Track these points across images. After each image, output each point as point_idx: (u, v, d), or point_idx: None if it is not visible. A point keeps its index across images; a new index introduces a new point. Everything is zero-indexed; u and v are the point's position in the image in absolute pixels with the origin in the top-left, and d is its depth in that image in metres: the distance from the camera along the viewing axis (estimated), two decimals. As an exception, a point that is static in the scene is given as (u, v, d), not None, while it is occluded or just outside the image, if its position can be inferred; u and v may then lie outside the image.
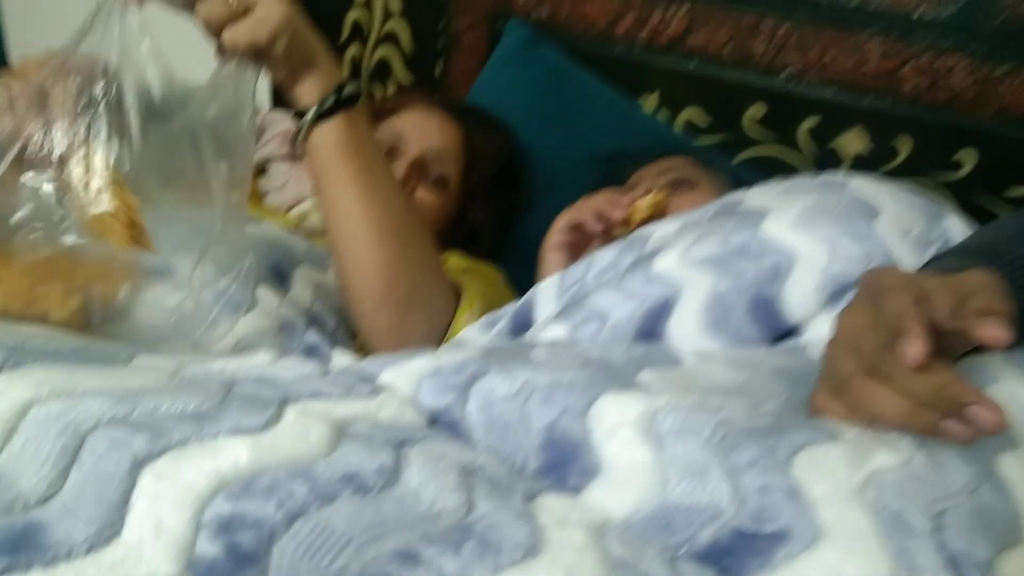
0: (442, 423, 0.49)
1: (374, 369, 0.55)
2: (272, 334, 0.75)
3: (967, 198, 1.17)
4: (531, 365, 0.51)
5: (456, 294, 0.86)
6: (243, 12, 0.65)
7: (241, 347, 0.73)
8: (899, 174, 1.19)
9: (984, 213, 1.15)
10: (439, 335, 0.81)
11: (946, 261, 0.62)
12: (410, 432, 0.45)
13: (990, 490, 0.40)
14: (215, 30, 0.65)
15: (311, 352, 0.76)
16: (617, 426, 0.43)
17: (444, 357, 0.54)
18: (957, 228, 0.80)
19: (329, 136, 0.72)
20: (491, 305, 0.88)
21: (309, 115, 0.71)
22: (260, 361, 0.52)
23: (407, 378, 0.52)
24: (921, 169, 1.18)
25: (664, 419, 0.43)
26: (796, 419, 0.45)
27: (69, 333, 0.54)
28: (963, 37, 1.10)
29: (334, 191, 0.75)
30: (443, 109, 1.19)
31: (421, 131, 1.13)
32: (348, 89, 0.72)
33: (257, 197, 1.45)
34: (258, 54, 0.66)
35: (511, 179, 1.23)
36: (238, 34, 0.64)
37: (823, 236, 0.67)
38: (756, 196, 0.77)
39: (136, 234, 0.62)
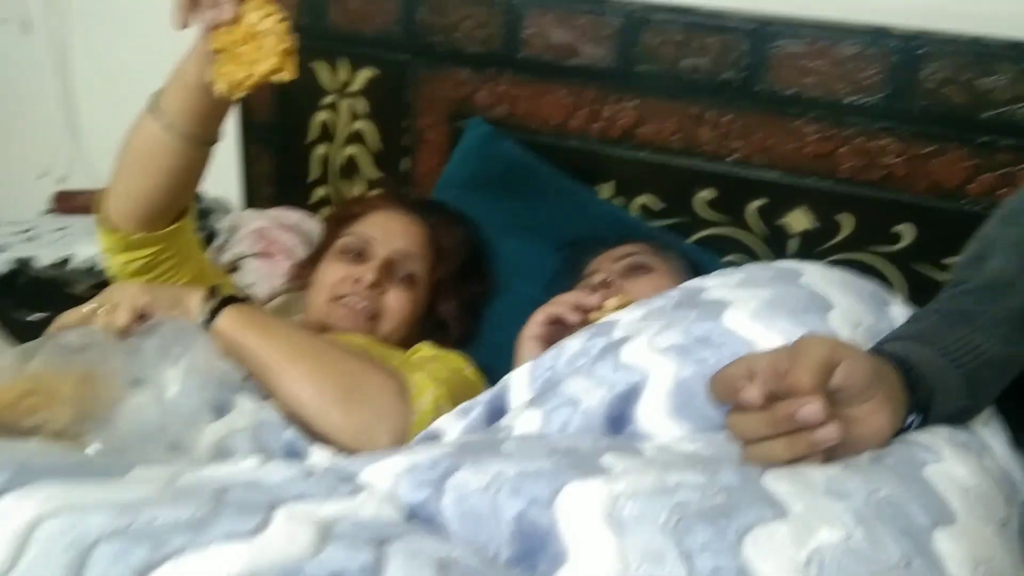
0: (420, 517, 0.53)
1: (355, 468, 0.58)
2: (250, 434, 0.78)
3: (908, 267, 1.24)
4: (502, 456, 0.55)
5: (405, 391, 0.91)
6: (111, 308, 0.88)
7: (221, 448, 0.76)
8: (843, 248, 1.27)
9: (924, 280, 1.23)
10: (399, 426, 0.86)
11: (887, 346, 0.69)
12: (390, 529, 0.48)
13: (924, 564, 0.44)
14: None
15: (290, 449, 0.79)
16: (581, 514, 0.47)
17: (421, 453, 0.57)
18: (901, 315, 0.85)
19: (224, 327, 0.90)
20: (451, 388, 0.93)
21: (201, 322, 0.90)
22: (248, 465, 0.55)
23: (385, 475, 0.55)
24: (863, 242, 1.25)
25: (624, 505, 0.47)
26: (748, 492, 0.49)
27: (65, 446, 0.57)
28: (892, 120, 1.19)
29: (248, 361, 0.89)
30: (406, 208, 1.25)
31: (386, 234, 1.19)
32: (209, 304, 0.91)
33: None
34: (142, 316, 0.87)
35: (476, 269, 1.29)
36: (116, 319, 0.86)
37: (780, 329, 0.72)
38: (716, 286, 0.82)
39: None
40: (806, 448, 0.54)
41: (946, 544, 0.47)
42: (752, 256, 1.33)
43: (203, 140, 0.98)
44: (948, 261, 1.21)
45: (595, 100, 1.36)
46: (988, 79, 1.13)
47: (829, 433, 0.52)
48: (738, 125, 1.28)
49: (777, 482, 0.50)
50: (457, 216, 1.31)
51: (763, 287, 0.80)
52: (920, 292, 1.24)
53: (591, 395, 0.72)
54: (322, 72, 1.56)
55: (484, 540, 0.49)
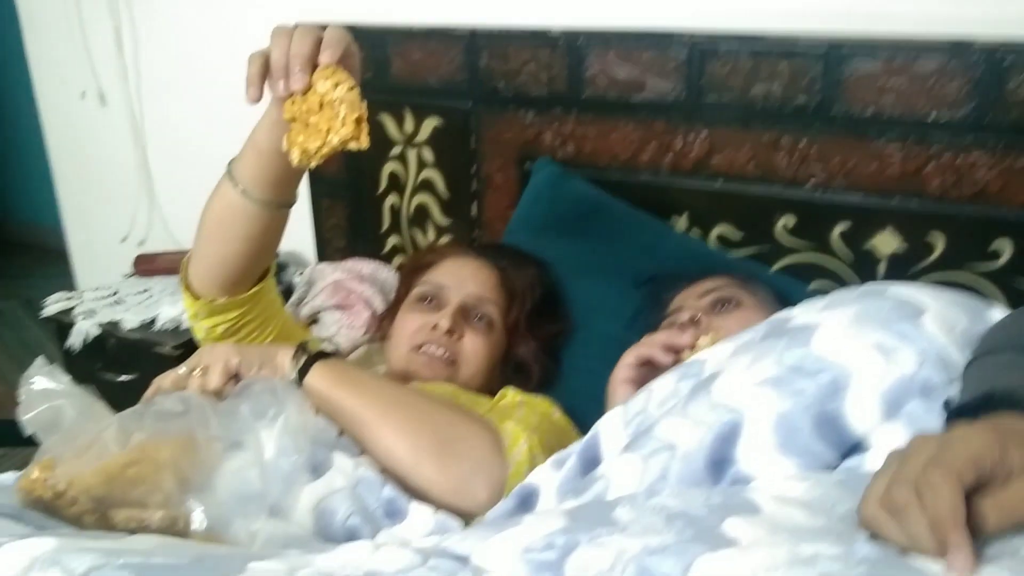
0: None
1: (465, 549, 0.56)
2: (348, 493, 0.77)
3: (1009, 285, 1.18)
4: (617, 528, 0.52)
5: (498, 435, 0.90)
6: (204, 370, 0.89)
7: (321, 509, 0.75)
8: (937, 268, 1.21)
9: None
10: (496, 479, 0.84)
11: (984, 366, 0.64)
12: None
13: None
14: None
15: (390, 508, 0.78)
16: None
17: (530, 529, 0.55)
18: (1000, 317, 0.81)
19: (315, 384, 0.89)
20: (542, 435, 0.91)
21: (292, 380, 0.89)
22: (362, 553, 0.53)
23: (501, 559, 0.53)
24: (958, 261, 1.20)
25: None
26: (890, 566, 0.45)
27: (173, 528, 0.57)
28: (981, 134, 1.14)
29: (341, 418, 0.89)
30: (476, 253, 1.25)
31: (459, 280, 1.19)
32: (299, 361, 0.91)
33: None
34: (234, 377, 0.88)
35: (551, 309, 1.27)
36: (209, 381, 0.88)
37: (875, 343, 0.69)
38: (802, 312, 0.80)
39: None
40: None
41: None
42: (839, 282, 1.28)
43: (279, 204, 0.99)
44: (1052, 276, 1.15)
45: (664, 133, 1.35)
46: (1081, 85, 1.08)
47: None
48: (815, 149, 1.25)
49: (923, 558, 0.46)
50: (527, 257, 1.31)
51: (849, 305, 0.77)
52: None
53: (688, 438, 0.70)
54: (388, 124, 1.58)
55: None
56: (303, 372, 0.89)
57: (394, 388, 0.93)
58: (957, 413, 0.61)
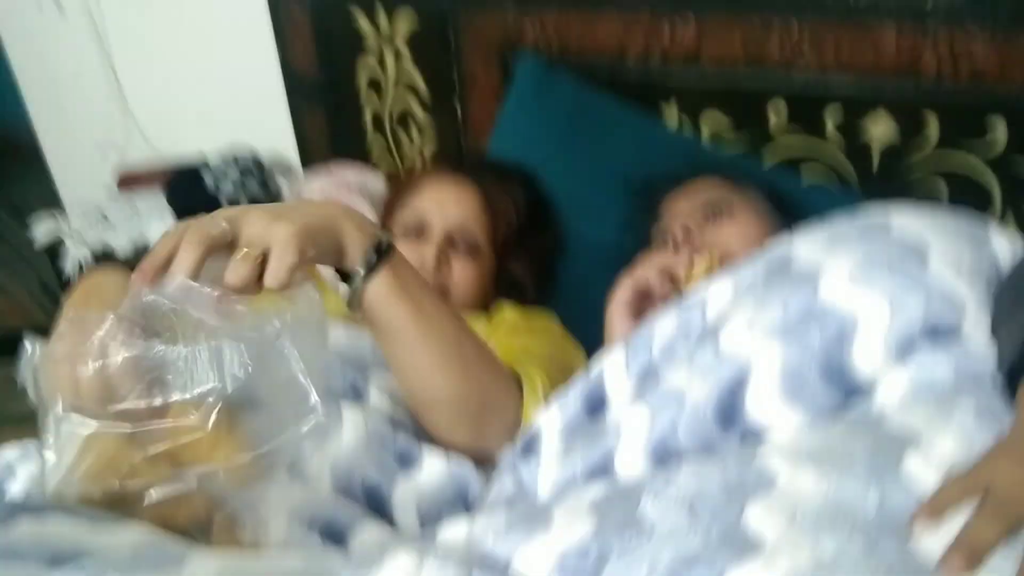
0: None
1: (505, 552, 0.58)
2: (364, 448, 0.80)
3: (1003, 167, 1.17)
4: (645, 532, 0.54)
5: (518, 383, 0.88)
6: (264, 257, 0.66)
7: (344, 462, 0.77)
8: (932, 154, 1.20)
9: (1020, 176, 1.16)
10: (513, 428, 0.85)
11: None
12: None
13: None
14: (252, 286, 0.66)
15: (404, 457, 0.81)
16: None
17: (562, 532, 0.57)
18: (1003, 248, 0.81)
19: (380, 289, 0.74)
20: (553, 375, 0.91)
21: (358, 279, 0.74)
22: (405, 570, 0.55)
23: (537, 568, 0.56)
24: (951, 146, 1.18)
25: None
26: (908, 566, 0.48)
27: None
28: (977, 14, 1.10)
29: (394, 335, 0.78)
30: (456, 175, 1.22)
31: (440, 208, 1.17)
32: (383, 242, 0.75)
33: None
34: (299, 271, 0.68)
35: (539, 223, 1.26)
36: (275, 276, 0.66)
37: (881, 290, 0.69)
38: (804, 250, 0.79)
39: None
40: None
41: None
42: (832, 170, 1.27)
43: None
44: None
45: (651, 22, 1.29)
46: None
47: None
48: (807, 34, 1.20)
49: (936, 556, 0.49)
50: (511, 171, 1.28)
51: (853, 243, 0.76)
52: (1014, 190, 1.18)
53: (696, 389, 0.71)
54: (361, 20, 1.51)
55: None
56: (369, 271, 0.74)
57: (449, 319, 0.81)
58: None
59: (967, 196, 1.18)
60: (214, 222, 0.66)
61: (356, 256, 0.73)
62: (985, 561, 0.47)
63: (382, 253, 0.74)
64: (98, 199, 1.83)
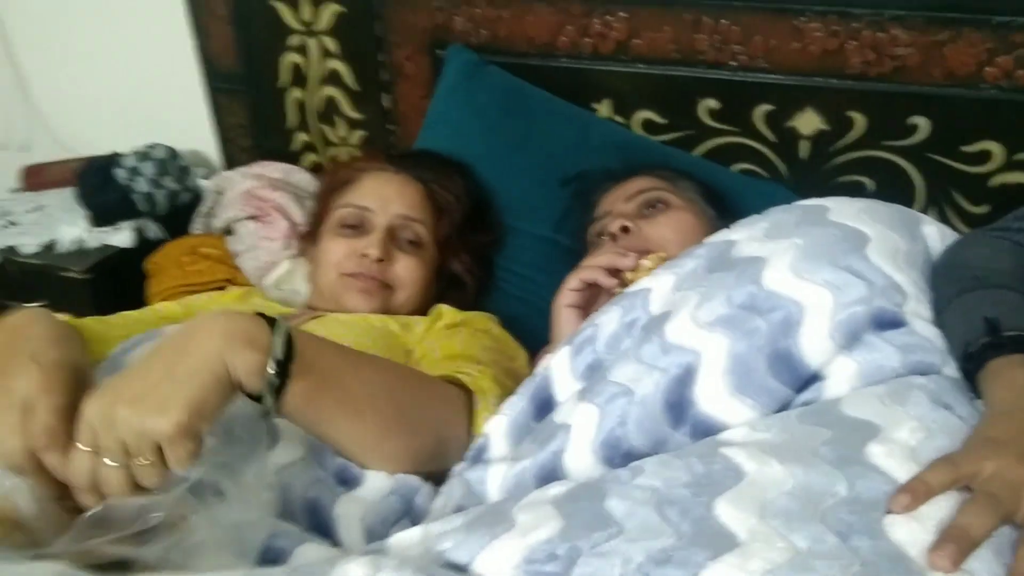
0: None
1: (464, 557, 0.56)
2: (301, 465, 0.75)
3: (924, 160, 1.20)
4: (614, 529, 0.53)
5: (464, 393, 0.85)
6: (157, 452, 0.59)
7: (280, 479, 0.73)
8: (857, 146, 1.22)
9: (941, 171, 1.19)
10: (467, 444, 0.81)
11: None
12: None
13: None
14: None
15: (342, 476, 0.77)
16: None
17: (527, 533, 0.55)
18: (933, 233, 0.83)
19: (295, 399, 0.67)
20: (500, 379, 0.89)
21: (268, 402, 0.65)
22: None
23: (502, 572, 0.53)
24: (877, 139, 1.21)
25: None
26: (886, 561, 0.48)
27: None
28: (902, 9, 1.12)
29: (326, 428, 0.73)
30: (397, 167, 1.19)
31: (382, 200, 1.13)
32: (276, 350, 0.64)
33: (229, 260, 1.45)
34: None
35: (480, 219, 1.24)
36: (181, 465, 0.59)
37: (824, 280, 0.70)
38: (745, 241, 0.79)
39: None
40: None
41: None
42: (762, 163, 1.28)
43: None
44: (966, 149, 1.18)
45: (582, 15, 1.28)
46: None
47: None
48: (737, 29, 1.21)
49: (911, 544, 0.49)
50: (451, 165, 1.26)
51: (793, 233, 0.77)
52: (937, 183, 1.21)
53: (643, 382, 0.70)
54: (283, 11, 1.46)
55: None
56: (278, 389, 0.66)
57: (378, 379, 0.76)
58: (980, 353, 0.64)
59: (892, 189, 1.21)
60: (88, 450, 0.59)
61: (255, 383, 0.64)
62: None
63: (283, 362, 0.65)
64: (2, 198, 1.72)
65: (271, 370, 0.64)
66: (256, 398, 0.66)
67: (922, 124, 1.18)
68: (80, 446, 0.59)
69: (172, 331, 0.66)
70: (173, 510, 0.58)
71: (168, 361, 0.62)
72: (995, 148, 1.17)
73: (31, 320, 0.71)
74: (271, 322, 0.66)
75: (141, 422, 0.58)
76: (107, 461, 0.59)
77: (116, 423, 0.58)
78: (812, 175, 1.26)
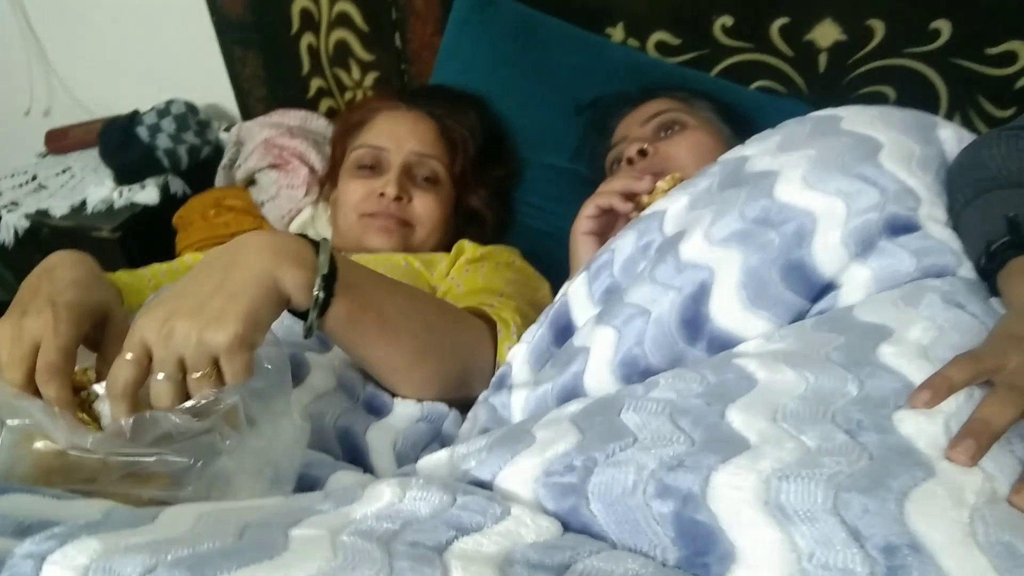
0: (574, 528, 0.52)
1: (487, 474, 0.57)
2: (333, 393, 0.78)
3: (947, 65, 1.17)
4: (629, 440, 0.54)
5: (490, 326, 0.86)
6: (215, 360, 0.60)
7: (312, 409, 0.75)
8: (877, 55, 1.19)
9: (966, 75, 1.16)
10: (492, 372, 0.83)
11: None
12: (561, 554, 0.47)
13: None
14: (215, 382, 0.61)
15: (371, 403, 0.79)
16: (739, 507, 0.46)
17: (545, 448, 0.56)
18: (949, 136, 0.81)
19: (337, 317, 0.68)
20: (523, 310, 0.90)
21: (312, 318, 0.67)
22: (391, 499, 0.52)
23: (523, 486, 0.55)
24: (898, 46, 1.18)
25: (779, 488, 0.46)
26: (891, 450, 0.48)
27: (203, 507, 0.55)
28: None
29: (362, 350, 0.75)
30: (409, 104, 1.19)
31: (396, 139, 1.14)
32: (322, 267, 0.66)
33: (254, 210, 1.46)
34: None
35: (495, 152, 1.24)
36: (237, 378, 0.60)
37: (836, 189, 0.69)
38: (757, 155, 0.78)
39: None
40: None
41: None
42: (781, 79, 1.26)
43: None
44: (990, 51, 1.14)
45: (590, -63, 1.25)
46: None
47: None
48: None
49: (919, 437, 0.49)
50: (464, 98, 1.25)
51: (805, 145, 0.76)
52: (960, 88, 1.18)
53: (659, 302, 0.71)
54: (289, -45, 1.45)
55: (647, 546, 0.48)
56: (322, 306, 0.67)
57: (412, 306, 0.77)
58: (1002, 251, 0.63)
59: (914, 97, 1.18)
60: (134, 361, 0.59)
61: (303, 299, 0.65)
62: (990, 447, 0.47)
63: (328, 278, 0.66)
64: (29, 164, 1.75)
65: (318, 286, 0.65)
66: (300, 315, 0.67)
67: (944, 28, 1.15)
68: (127, 356, 0.60)
69: (217, 250, 0.67)
70: (218, 426, 0.59)
71: (219, 276, 0.62)
72: (1020, 48, 1.13)
73: (62, 263, 0.73)
74: (314, 245, 0.68)
75: (200, 334, 0.58)
76: (159, 376, 0.59)
77: (174, 336, 0.59)
78: (832, 88, 1.23)
